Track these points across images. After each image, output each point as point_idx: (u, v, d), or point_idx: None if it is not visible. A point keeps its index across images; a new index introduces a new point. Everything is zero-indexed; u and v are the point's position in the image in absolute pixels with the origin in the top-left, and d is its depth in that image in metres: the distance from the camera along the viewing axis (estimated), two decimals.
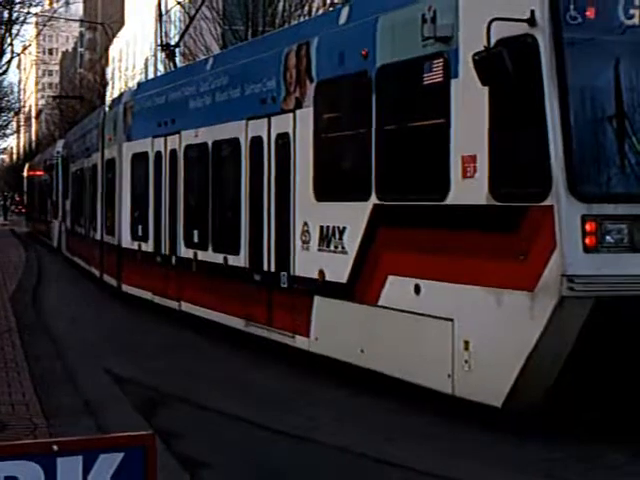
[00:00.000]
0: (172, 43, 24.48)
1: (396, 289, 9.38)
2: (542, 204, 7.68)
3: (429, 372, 8.85)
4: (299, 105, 11.40)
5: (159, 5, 23.79)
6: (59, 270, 27.48)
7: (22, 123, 78.75)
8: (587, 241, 7.54)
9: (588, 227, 7.55)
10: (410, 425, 8.64)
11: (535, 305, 7.70)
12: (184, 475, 6.96)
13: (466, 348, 8.37)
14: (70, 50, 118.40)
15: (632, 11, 7.90)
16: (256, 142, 12.50)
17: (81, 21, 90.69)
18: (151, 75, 51.39)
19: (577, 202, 7.57)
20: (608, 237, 7.59)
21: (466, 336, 8.40)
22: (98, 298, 19.94)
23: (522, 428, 8.03)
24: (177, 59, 25.43)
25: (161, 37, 24.44)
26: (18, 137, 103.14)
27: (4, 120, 55.44)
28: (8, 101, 55.31)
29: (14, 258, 29.37)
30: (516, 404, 7.97)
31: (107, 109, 22.39)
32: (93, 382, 10.29)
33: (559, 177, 7.58)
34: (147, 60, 59.32)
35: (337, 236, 10.42)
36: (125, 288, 18.42)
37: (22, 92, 76.90)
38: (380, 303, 9.63)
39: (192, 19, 25.39)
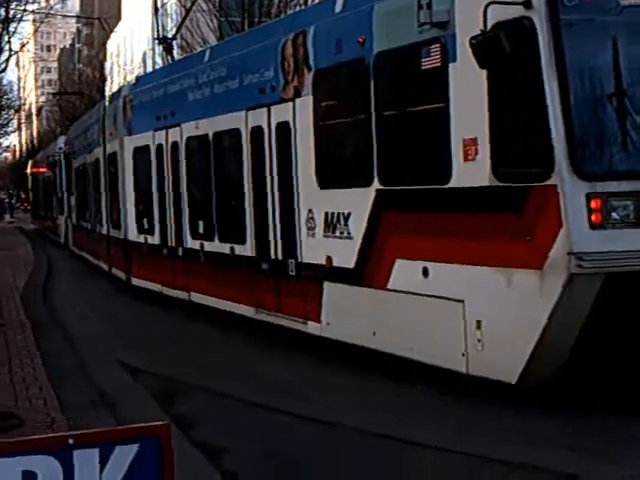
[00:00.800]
0: (169, 36, 24.46)
1: (404, 272, 9.44)
2: (546, 183, 7.74)
3: (443, 352, 8.93)
4: (298, 94, 11.45)
5: None
6: (67, 265, 27.56)
7: (23, 120, 78.69)
8: (593, 218, 7.61)
9: (593, 204, 7.62)
10: (425, 406, 8.72)
11: (544, 283, 7.77)
12: (204, 461, 7.02)
13: (478, 327, 8.45)
14: (68, 46, 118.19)
15: None
16: (257, 132, 12.55)
17: (78, 17, 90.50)
18: (149, 69, 51.37)
19: (580, 181, 7.64)
20: (614, 214, 7.66)
21: (478, 316, 8.47)
22: (108, 292, 19.98)
23: (540, 404, 8.11)
24: (175, 52, 25.42)
25: (158, 30, 24.51)
26: (20, 135, 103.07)
27: (5, 118, 55.38)
28: (8, 99, 55.26)
29: (23, 255, 29.49)
30: (530, 381, 8.05)
31: (107, 104, 22.42)
32: (108, 375, 10.35)
33: (561, 156, 7.65)
34: (145, 54, 59.26)
35: (342, 222, 10.50)
36: (134, 281, 18.50)
37: (22, 90, 76.84)
38: (389, 287, 9.70)
39: (188, 11, 25.37)
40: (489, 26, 7.85)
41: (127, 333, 14.01)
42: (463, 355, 8.63)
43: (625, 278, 7.60)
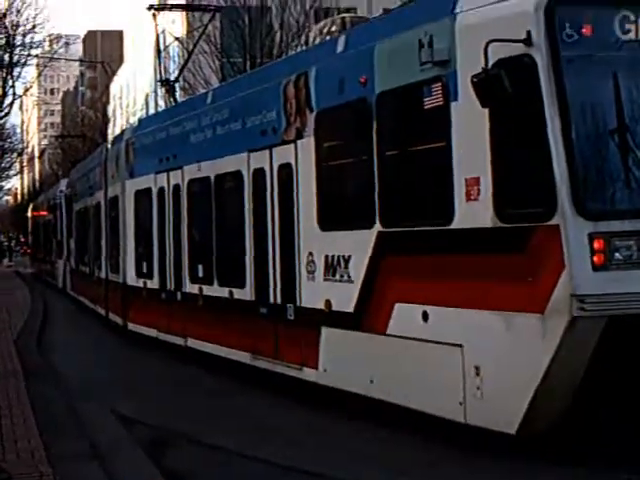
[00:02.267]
0: (171, 78, 24.52)
1: (404, 317, 9.28)
2: (548, 223, 7.62)
3: (440, 400, 8.74)
4: (300, 135, 11.35)
5: (157, 42, 23.82)
6: (64, 310, 27.43)
7: (25, 164, 79.01)
8: (595, 259, 7.47)
9: (596, 245, 7.48)
10: (422, 459, 8.50)
11: (546, 327, 7.60)
12: None
13: (477, 374, 8.26)
14: (71, 89, 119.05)
15: (628, 26, 7.90)
16: (258, 174, 12.45)
17: (81, 61, 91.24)
18: (152, 111, 51.54)
19: (583, 220, 7.51)
20: (617, 254, 7.53)
21: (477, 362, 8.28)
22: (104, 337, 19.87)
23: (540, 454, 7.89)
24: (177, 94, 25.42)
25: (160, 73, 24.51)
26: (22, 178, 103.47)
27: (7, 162, 55.57)
28: (11, 142, 55.42)
29: (20, 299, 29.32)
30: (531, 430, 7.85)
31: (109, 147, 22.41)
32: (100, 424, 10.14)
33: (564, 196, 7.53)
34: (147, 96, 59.49)
35: (343, 265, 10.33)
36: (131, 326, 18.34)
37: (25, 133, 77.23)
38: (388, 332, 9.52)
39: (190, 54, 25.44)
40: (490, 64, 7.77)
41: (122, 380, 13.86)
42: (461, 404, 8.41)
43: (628, 321, 7.44)
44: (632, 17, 7.87)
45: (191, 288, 14.84)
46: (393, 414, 9.42)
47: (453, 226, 8.59)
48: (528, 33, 7.75)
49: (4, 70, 36.71)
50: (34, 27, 35.27)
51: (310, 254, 11.04)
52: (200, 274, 14.57)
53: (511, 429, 7.91)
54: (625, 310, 7.43)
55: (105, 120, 62.26)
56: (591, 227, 7.49)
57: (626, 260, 7.52)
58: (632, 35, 7.89)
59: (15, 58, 36.02)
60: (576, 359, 7.52)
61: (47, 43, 44.28)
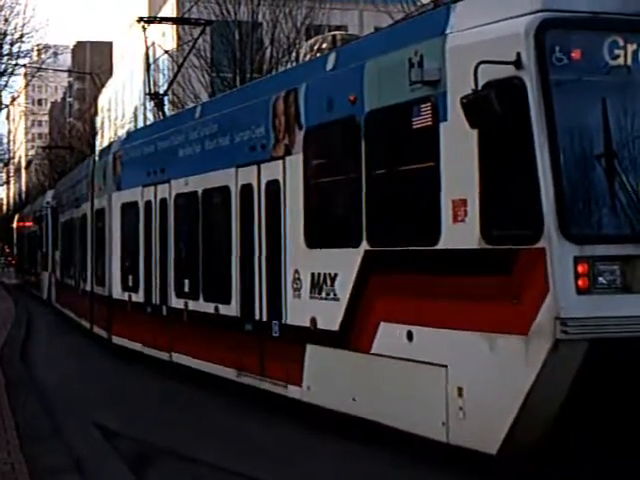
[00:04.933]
0: (161, 92, 24.50)
1: (389, 336, 9.26)
2: (534, 246, 7.62)
3: (423, 420, 8.73)
4: (288, 152, 11.36)
5: (147, 54, 23.83)
6: (49, 323, 27.30)
7: (12, 174, 78.70)
8: (580, 283, 7.48)
9: (580, 269, 7.49)
10: (406, 477, 8.48)
11: (529, 349, 7.60)
12: None
13: (460, 395, 8.26)
14: (59, 100, 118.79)
15: (617, 51, 7.92)
16: (246, 190, 12.44)
17: (69, 72, 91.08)
18: (141, 124, 51.46)
19: (569, 244, 7.51)
20: (601, 278, 7.53)
21: (460, 382, 8.28)
22: (88, 351, 19.79)
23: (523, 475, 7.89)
24: (166, 107, 25.44)
25: (149, 86, 24.49)
26: (8, 188, 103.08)
27: None
28: None
29: (3, 311, 29.16)
30: (512, 451, 7.84)
31: (97, 159, 22.36)
32: (82, 438, 10.12)
33: (550, 219, 7.53)
34: (136, 109, 59.43)
35: (329, 283, 10.32)
36: (115, 340, 18.27)
37: (11, 143, 76.96)
38: (373, 351, 9.50)
39: (180, 67, 25.44)
40: (480, 85, 7.77)
41: (105, 393, 13.79)
42: (443, 424, 8.41)
43: (610, 345, 7.45)
44: (621, 43, 7.90)
45: (177, 303, 14.79)
46: (378, 431, 9.40)
47: (439, 246, 8.59)
48: (518, 55, 7.76)
49: None
50: (22, 36, 35.23)
51: (296, 271, 11.03)
52: (186, 289, 14.53)
53: (492, 449, 7.89)
54: (607, 334, 7.43)
55: (93, 132, 62.08)
56: (576, 251, 7.49)
57: (610, 285, 7.52)
58: (621, 61, 7.92)
59: (2, 67, 35.96)
60: (558, 381, 7.51)
61: (35, 53, 44.16)
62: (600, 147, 7.79)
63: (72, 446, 9.39)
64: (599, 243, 7.60)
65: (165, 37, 37.69)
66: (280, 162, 11.54)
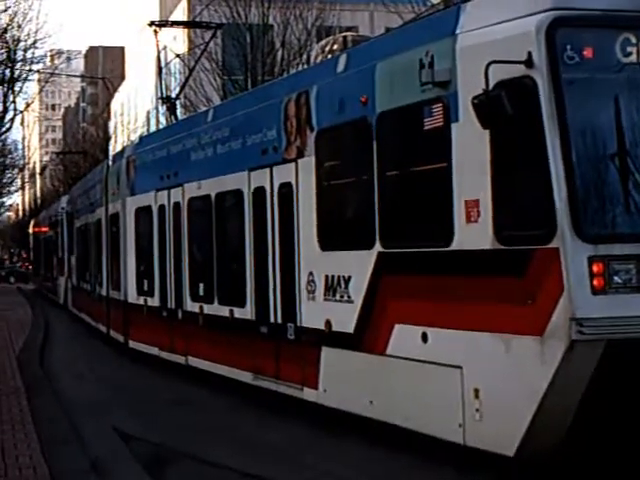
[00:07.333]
0: (172, 95, 24.56)
1: (403, 338, 9.25)
2: (548, 246, 7.58)
3: (439, 422, 8.70)
4: (301, 154, 11.36)
5: (158, 58, 23.89)
6: (66, 327, 27.38)
7: (26, 180, 79.03)
8: (595, 283, 7.43)
9: (595, 268, 7.44)
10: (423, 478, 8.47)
11: (545, 350, 7.56)
12: None
13: (476, 396, 8.23)
14: (72, 105, 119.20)
15: (629, 49, 7.87)
16: (259, 193, 12.44)
17: (82, 77, 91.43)
18: (153, 128, 51.61)
19: (583, 243, 7.47)
20: (616, 278, 7.48)
21: (476, 384, 8.25)
22: (105, 355, 19.85)
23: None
24: (178, 111, 25.47)
25: (161, 90, 24.54)
26: (23, 194, 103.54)
27: (9, 177, 55.67)
28: (12, 158, 55.60)
29: (21, 316, 29.29)
30: (529, 453, 7.81)
31: (110, 163, 22.42)
32: (101, 441, 10.14)
33: (564, 218, 7.50)
34: (149, 113, 59.61)
35: (343, 285, 10.32)
36: (132, 344, 18.31)
37: (26, 149, 77.25)
38: (388, 352, 9.49)
39: (192, 71, 25.50)
40: (491, 85, 7.74)
41: (123, 397, 13.82)
42: (460, 426, 8.39)
43: (627, 345, 7.40)
44: (633, 40, 7.85)
45: (192, 306, 14.81)
46: (395, 433, 9.40)
47: (452, 247, 8.57)
48: (529, 54, 7.73)
49: (5, 85, 36.79)
50: (35, 42, 35.35)
51: (310, 274, 11.03)
52: (201, 292, 14.55)
53: (509, 451, 7.86)
54: (623, 334, 7.39)
55: (106, 137, 62.33)
56: (591, 250, 7.45)
57: (625, 284, 7.47)
58: (633, 58, 7.86)
59: (16, 73, 36.10)
60: (575, 382, 7.48)
61: (48, 58, 44.33)
62: (613, 145, 7.75)
63: (91, 449, 9.42)
64: (614, 242, 7.55)
65: (176, 41, 37.81)
66: (292, 165, 11.54)
